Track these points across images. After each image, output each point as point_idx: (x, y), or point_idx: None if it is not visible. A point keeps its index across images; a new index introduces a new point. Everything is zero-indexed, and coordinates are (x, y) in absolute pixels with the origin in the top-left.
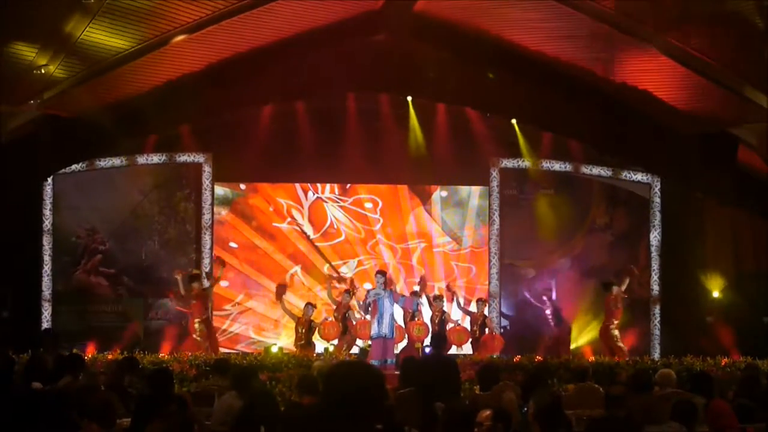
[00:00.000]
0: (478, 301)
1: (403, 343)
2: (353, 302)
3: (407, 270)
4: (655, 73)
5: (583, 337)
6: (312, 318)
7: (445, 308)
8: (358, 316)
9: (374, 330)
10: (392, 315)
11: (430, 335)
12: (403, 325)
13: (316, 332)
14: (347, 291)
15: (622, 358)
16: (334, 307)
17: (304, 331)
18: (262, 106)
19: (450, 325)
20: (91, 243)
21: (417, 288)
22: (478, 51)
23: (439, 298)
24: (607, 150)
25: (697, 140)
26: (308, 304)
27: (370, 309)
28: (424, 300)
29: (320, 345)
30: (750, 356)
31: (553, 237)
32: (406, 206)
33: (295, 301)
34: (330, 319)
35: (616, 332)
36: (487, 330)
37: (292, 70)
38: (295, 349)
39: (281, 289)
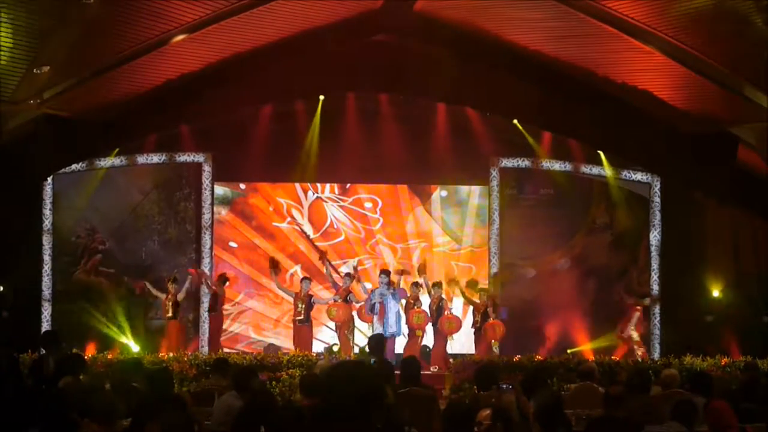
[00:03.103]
0: (480, 290)
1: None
2: (354, 284)
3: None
4: (655, 73)
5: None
6: (310, 293)
7: (443, 296)
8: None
9: (378, 331)
10: (397, 313)
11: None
12: (402, 314)
13: (326, 314)
14: (348, 275)
15: None
16: (335, 289)
17: (303, 306)
18: (262, 106)
19: (445, 312)
20: (91, 243)
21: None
22: (478, 51)
23: (437, 285)
24: (607, 150)
25: (696, 140)
26: (305, 278)
27: (377, 310)
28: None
29: (316, 329)
30: (750, 356)
31: (552, 237)
32: (406, 206)
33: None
34: (339, 300)
35: None
36: (490, 318)
37: (292, 70)
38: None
39: (274, 263)
